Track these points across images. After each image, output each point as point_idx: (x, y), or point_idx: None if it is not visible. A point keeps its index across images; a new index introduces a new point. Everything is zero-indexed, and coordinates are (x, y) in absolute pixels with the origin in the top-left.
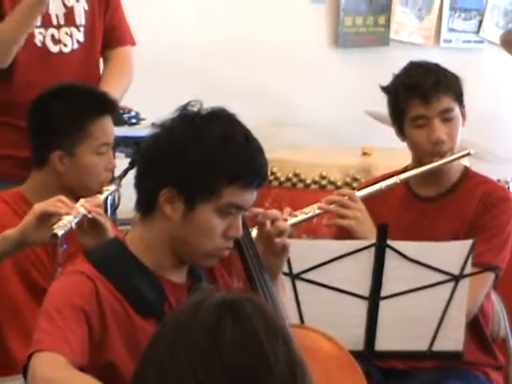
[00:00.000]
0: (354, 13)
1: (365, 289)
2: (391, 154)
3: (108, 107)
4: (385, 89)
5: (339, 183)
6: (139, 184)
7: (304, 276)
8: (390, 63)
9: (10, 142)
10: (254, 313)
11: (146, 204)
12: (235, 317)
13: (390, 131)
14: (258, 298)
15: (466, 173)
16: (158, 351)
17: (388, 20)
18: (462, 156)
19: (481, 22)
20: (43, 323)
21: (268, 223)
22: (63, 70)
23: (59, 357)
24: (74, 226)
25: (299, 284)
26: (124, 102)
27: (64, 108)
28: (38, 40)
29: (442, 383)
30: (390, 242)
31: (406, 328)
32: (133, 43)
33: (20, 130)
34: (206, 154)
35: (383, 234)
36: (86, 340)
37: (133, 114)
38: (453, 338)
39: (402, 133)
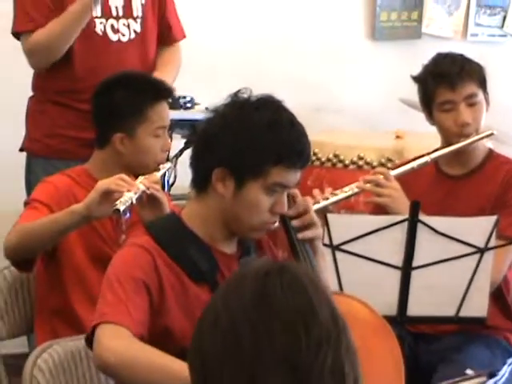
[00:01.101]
0: (389, 8)
1: (398, 260)
2: (422, 137)
3: (164, 94)
4: (415, 78)
5: (375, 164)
6: (194, 164)
7: (343, 247)
8: (422, 55)
9: (73, 124)
10: (301, 273)
11: (201, 182)
12: (282, 275)
13: (421, 117)
14: (305, 266)
15: (491, 154)
16: (212, 307)
17: (420, 15)
18: (486, 136)
19: (504, 17)
20: (107, 294)
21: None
22: (121, 57)
23: (123, 329)
24: (134, 201)
25: (339, 255)
26: (181, 89)
27: (125, 94)
28: (98, 29)
29: (467, 346)
30: (421, 217)
31: (435, 295)
32: (183, 37)
33: (82, 112)
34: (255, 137)
35: (416, 210)
36: (147, 310)
37: (188, 99)
38: (478, 305)
39: (431, 117)
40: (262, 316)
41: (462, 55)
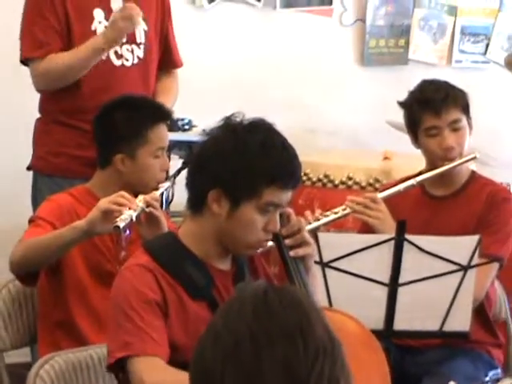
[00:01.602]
0: (378, 36)
1: (385, 276)
2: (409, 158)
3: (164, 116)
4: (401, 104)
5: (363, 184)
6: (190, 185)
7: (333, 264)
8: (409, 79)
9: (78, 143)
10: (296, 291)
11: (196, 202)
12: (280, 293)
13: (407, 138)
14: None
15: (473, 176)
16: (213, 326)
17: (407, 42)
18: (470, 159)
19: (487, 45)
20: (125, 324)
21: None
22: (124, 80)
23: (156, 359)
24: (134, 218)
25: (328, 271)
26: (179, 111)
27: (125, 117)
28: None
29: (450, 359)
30: (407, 236)
31: (420, 311)
32: (181, 65)
33: (87, 132)
34: (248, 159)
35: (402, 229)
36: (165, 328)
37: (186, 121)
38: (461, 320)
39: (416, 141)
40: (264, 329)
41: (446, 82)
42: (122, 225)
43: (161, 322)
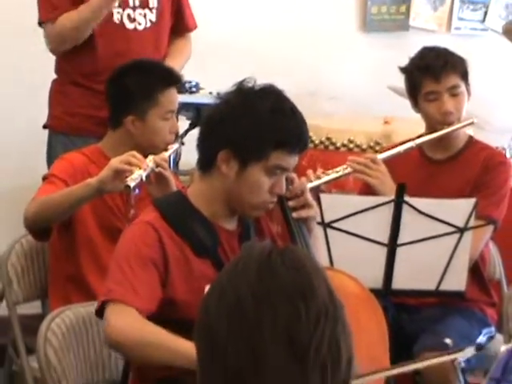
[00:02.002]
0: (380, 2)
1: (384, 237)
2: (408, 122)
3: (174, 80)
4: (402, 69)
5: (364, 146)
6: (201, 146)
7: (334, 225)
8: (409, 46)
9: (92, 104)
10: (301, 253)
11: (206, 163)
12: (284, 254)
13: (407, 103)
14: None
15: (471, 140)
16: (218, 283)
17: (408, 9)
18: (467, 124)
19: (486, 13)
20: (116, 273)
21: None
22: (137, 43)
23: (129, 308)
24: (143, 178)
25: (330, 232)
26: (187, 74)
27: (137, 80)
28: (115, 18)
29: (446, 317)
30: (406, 199)
31: (418, 270)
32: (194, 27)
33: (101, 93)
34: (258, 122)
35: (401, 191)
36: (157, 285)
37: (193, 84)
38: (457, 280)
39: (416, 106)
40: (266, 290)
41: (446, 49)
42: (132, 184)
43: (151, 279)
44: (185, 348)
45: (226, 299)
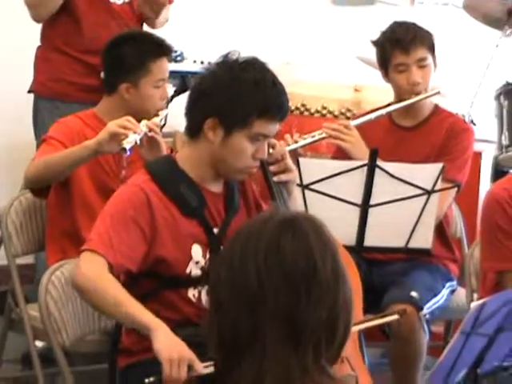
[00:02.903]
0: None
1: (358, 198)
2: (376, 90)
3: (165, 51)
4: (374, 42)
5: (336, 113)
6: (189, 114)
7: (312, 187)
8: (375, 19)
9: (75, 71)
10: (310, 229)
11: (193, 130)
12: (294, 232)
13: (375, 72)
14: (315, 218)
15: (436, 109)
16: (230, 254)
17: None
18: (433, 94)
19: None
20: (99, 225)
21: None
22: (118, 15)
23: (100, 258)
24: (138, 141)
25: (308, 193)
26: (172, 44)
27: (132, 50)
28: None
29: (412, 272)
30: (379, 163)
31: (388, 229)
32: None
33: (83, 61)
34: (242, 93)
35: (374, 156)
36: (136, 246)
37: (178, 53)
38: (424, 238)
39: (387, 76)
40: (270, 273)
41: (414, 24)
42: (128, 146)
43: (131, 238)
44: (135, 311)
45: (234, 275)
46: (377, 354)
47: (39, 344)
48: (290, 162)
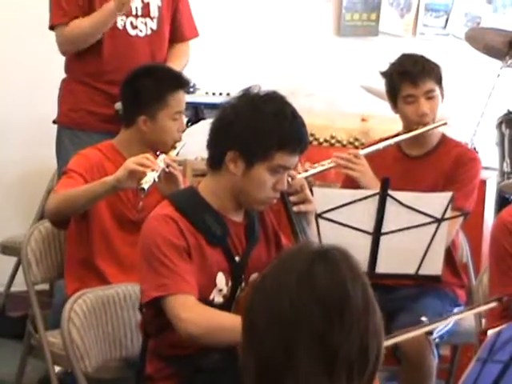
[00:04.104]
0: (353, 10)
1: (369, 226)
2: (383, 120)
3: (183, 84)
4: (383, 73)
5: (345, 142)
6: (210, 146)
7: (325, 215)
8: (379, 50)
9: (94, 101)
10: (342, 260)
11: (215, 162)
12: (327, 262)
13: (379, 101)
14: (345, 249)
15: (444, 138)
16: (264, 285)
17: (378, 16)
18: (441, 125)
19: (447, 19)
20: (160, 268)
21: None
22: (138, 48)
23: (190, 297)
24: (156, 179)
25: (321, 221)
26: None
27: (149, 83)
28: (119, 24)
29: (421, 297)
30: (390, 192)
31: (399, 256)
32: (192, 37)
33: (103, 92)
34: (262, 126)
35: (386, 185)
36: (195, 271)
37: (191, 84)
38: (434, 265)
39: (395, 107)
40: (304, 302)
41: (423, 56)
42: (146, 187)
43: (189, 265)
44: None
45: (268, 304)
46: (382, 378)
47: (56, 369)
48: (308, 192)
